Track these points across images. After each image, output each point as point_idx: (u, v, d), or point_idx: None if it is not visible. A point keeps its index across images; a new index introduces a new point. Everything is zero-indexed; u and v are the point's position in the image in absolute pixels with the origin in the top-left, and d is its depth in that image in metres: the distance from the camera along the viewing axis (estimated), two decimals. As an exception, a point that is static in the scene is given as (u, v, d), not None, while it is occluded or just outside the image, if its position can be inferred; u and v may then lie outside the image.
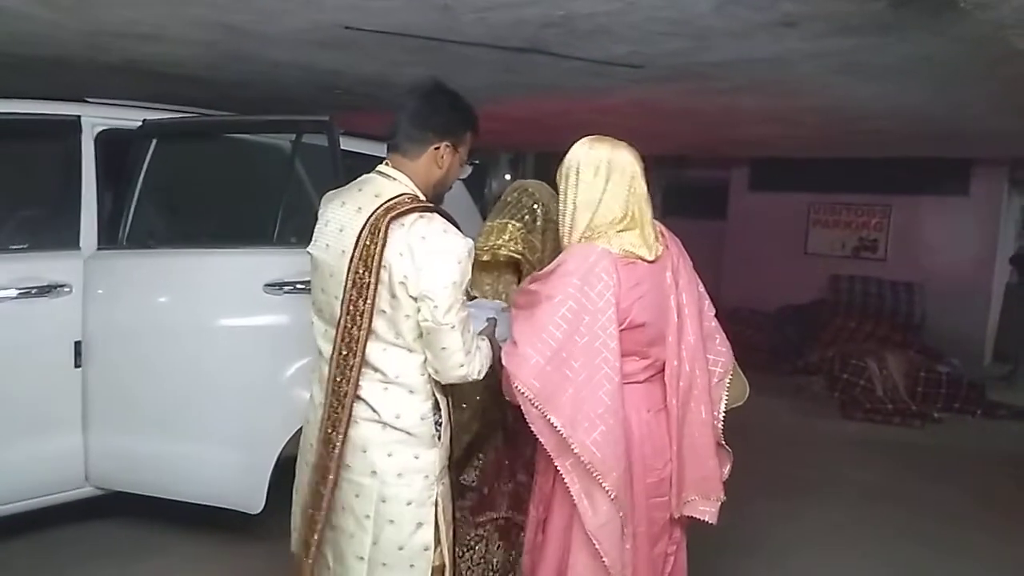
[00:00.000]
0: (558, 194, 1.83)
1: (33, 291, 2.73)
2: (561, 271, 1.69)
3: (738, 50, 2.89)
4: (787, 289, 7.50)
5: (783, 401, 5.63)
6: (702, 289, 1.88)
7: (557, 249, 2.09)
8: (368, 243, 1.61)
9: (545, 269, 1.76)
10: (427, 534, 1.72)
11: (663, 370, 1.79)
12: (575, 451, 1.63)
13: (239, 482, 2.79)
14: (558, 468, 1.69)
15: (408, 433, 1.69)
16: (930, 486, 4.16)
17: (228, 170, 3.31)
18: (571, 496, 1.68)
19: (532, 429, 1.67)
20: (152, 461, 2.84)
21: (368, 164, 3.47)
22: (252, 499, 2.76)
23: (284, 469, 2.81)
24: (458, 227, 1.69)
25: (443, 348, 1.63)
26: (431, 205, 1.70)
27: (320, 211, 1.81)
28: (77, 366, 2.82)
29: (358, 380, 1.66)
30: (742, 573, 2.97)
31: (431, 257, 1.60)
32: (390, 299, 1.62)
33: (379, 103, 4.46)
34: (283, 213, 2.87)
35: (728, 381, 1.89)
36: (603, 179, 1.74)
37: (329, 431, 1.68)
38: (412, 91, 1.79)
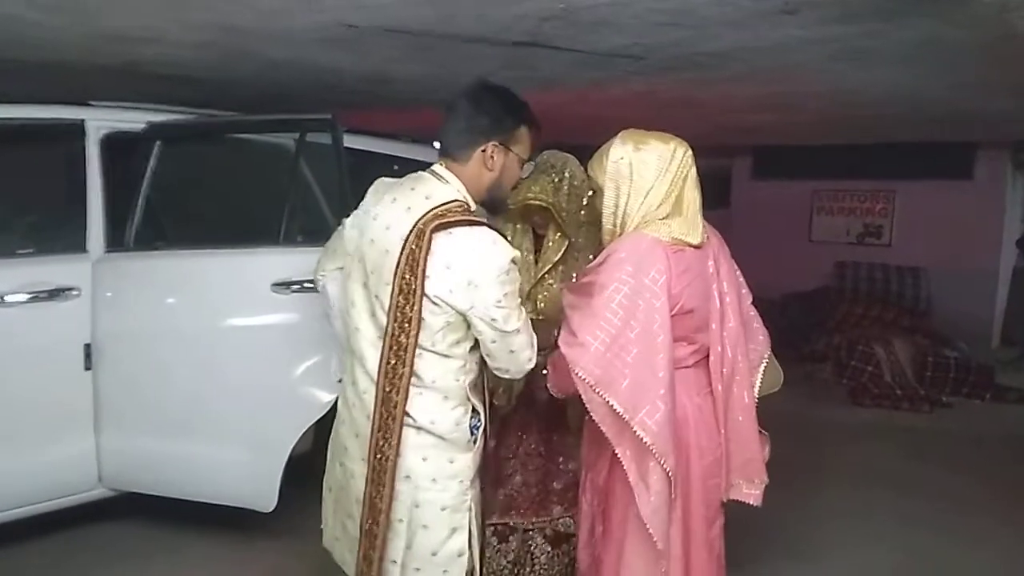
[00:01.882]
0: (598, 186, 1.84)
1: (42, 295, 2.76)
2: (614, 260, 1.71)
3: (738, 39, 2.88)
4: (792, 277, 7.48)
5: (791, 388, 5.52)
6: (740, 277, 1.93)
7: (578, 216, 2.15)
8: (414, 248, 1.58)
9: (596, 260, 1.78)
10: (461, 540, 1.71)
11: (707, 356, 1.84)
12: (637, 433, 1.65)
13: (251, 481, 2.81)
14: (616, 455, 1.71)
15: (442, 438, 1.67)
16: (940, 471, 4.16)
17: (233, 170, 3.33)
18: (626, 486, 1.71)
19: (593, 417, 1.69)
20: (164, 462, 2.86)
21: (372, 161, 3.48)
22: (264, 498, 2.78)
23: (296, 467, 2.85)
24: (505, 238, 1.67)
25: (511, 352, 1.66)
26: (478, 219, 1.65)
27: (370, 199, 1.75)
28: (87, 368, 2.85)
29: (408, 390, 1.63)
30: (754, 557, 2.98)
31: (481, 272, 1.58)
32: (432, 307, 1.60)
33: (380, 100, 4.46)
34: (289, 212, 2.88)
35: (763, 367, 1.94)
36: (654, 170, 1.75)
37: (381, 443, 1.65)
38: (460, 93, 1.74)
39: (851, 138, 6.68)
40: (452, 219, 1.60)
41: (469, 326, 1.65)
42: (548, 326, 2.03)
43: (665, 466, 1.66)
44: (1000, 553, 3.21)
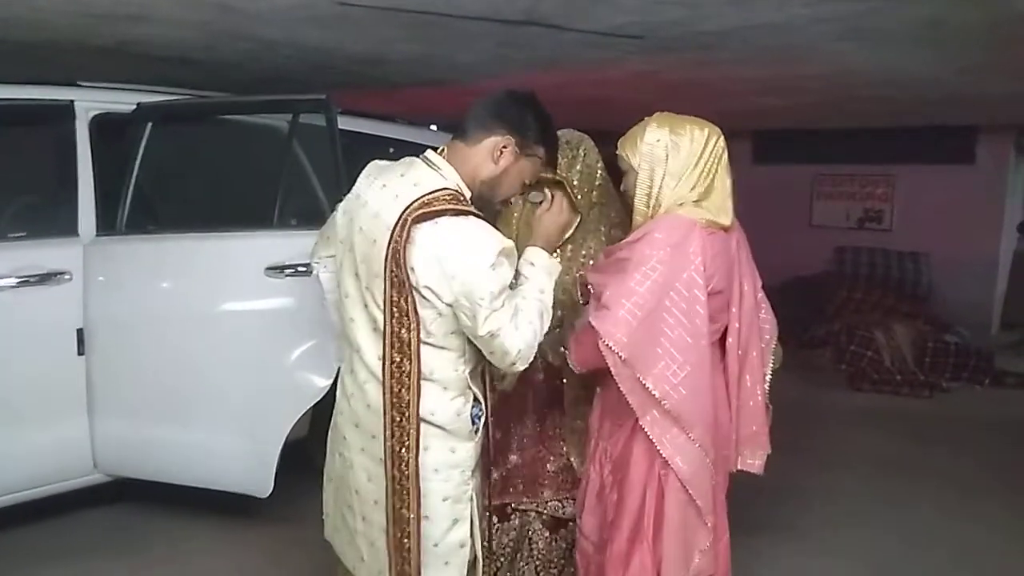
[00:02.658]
0: (628, 167, 1.85)
1: (33, 279, 2.71)
2: (649, 239, 1.74)
3: (738, 18, 2.83)
4: (793, 262, 7.43)
5: (791, 374, 5.55)
6: (752, 262, 1.97)
7: (589, 197, 2.13)
8: (398, 239, 1.51)
9: (631, 236, 1.81)
10: (463, 530, 1.68)
11: (723, 335, 1.90)
12: (665, 406, 1.71)
13: (246, 466, 2.78)
14: (639, 425, 1.76)
15: (443, 428, 1.63)
16: (941, 456, 4.16)
17: (226, 152, 3.28)
18: (648, 452, 1.78)
19: (621, 388, 1.72)
20: (159, 447, 2.84)
21: (367, 143, 3.43)
22: (260, 483, 2.75)
23: (292, 453, 2.82)
24: (497, 228, 1.60)
25: (491, 353, 1.59)
26: (466, 208, 1.56)
27: (361, 182, 1.69)
28: (80, 354, 2.81)
29: (420, 388, 1.57)
30: (757, 542, 2.97)
31: (464, 265, 1.51)
32: (421, 299, 1.54)
33: (376, 81, 4.40)
34: (282, 195, 2.84)
35: (773, 347, 2.02)
36: (689, 155, 1.79)
37: (398, 448, 1.58)
38: (506, 88, 1.68)
39: (852, 122, 6.64)
40: (438, 208, 1.53)
41: None
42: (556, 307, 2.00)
43: (692, 436, 1.73)
44: (1000, 537, 3.19)
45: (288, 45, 3.44)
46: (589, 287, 1.87)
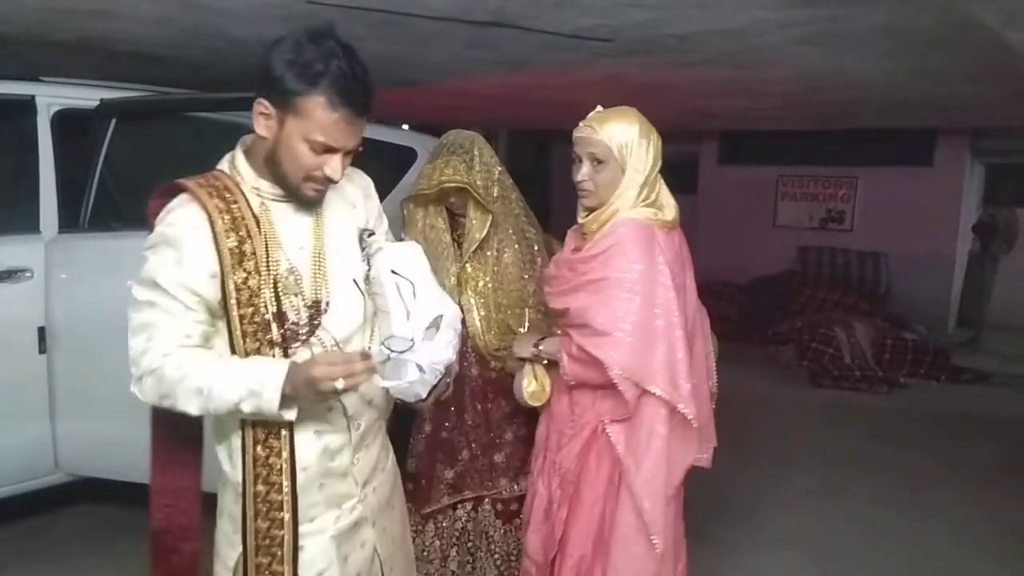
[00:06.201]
0: (598, 141, 1.80)
1: (-7, 277, 2.67)
2: (619, 250, 1.74)
3: (704, 21, 2.89)
4: (757, 261, 7.60)
5: (754, 371, 5.72)
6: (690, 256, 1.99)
7: (491, 192, 2.14)
8: None
9: (595, 247, 1.79)
10: None
11: None
12: (680, 410, 1.72)
13: (212, 463, 2.76)
14: (595, 433, 1.78)
15: None
16: (899, 450, 4.27)
17: (191, 149, 3.23)
18: (604, 465, 1.78)
19: (627, 397, 1.72)
20: (123, 445, 2.78)
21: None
22: (227, 481, 2.73)
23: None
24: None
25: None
26: (183, 184, 1.39)
27: None
28: (42, 352, 2.77)
29: None
30: (719, 536, 3.03)
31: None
32: None
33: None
34: (249, 192, 2.82)
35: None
36: (652, 157, 1.80)
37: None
38: None
39: (816, 124, 6.77)
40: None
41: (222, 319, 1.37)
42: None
43: (707, 440, 1.80)
44: (956, 529, 3.29)
45: (258, 43, 3.41)
46: (565, 309, 1.84)
